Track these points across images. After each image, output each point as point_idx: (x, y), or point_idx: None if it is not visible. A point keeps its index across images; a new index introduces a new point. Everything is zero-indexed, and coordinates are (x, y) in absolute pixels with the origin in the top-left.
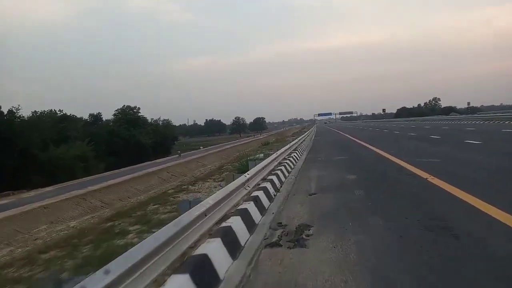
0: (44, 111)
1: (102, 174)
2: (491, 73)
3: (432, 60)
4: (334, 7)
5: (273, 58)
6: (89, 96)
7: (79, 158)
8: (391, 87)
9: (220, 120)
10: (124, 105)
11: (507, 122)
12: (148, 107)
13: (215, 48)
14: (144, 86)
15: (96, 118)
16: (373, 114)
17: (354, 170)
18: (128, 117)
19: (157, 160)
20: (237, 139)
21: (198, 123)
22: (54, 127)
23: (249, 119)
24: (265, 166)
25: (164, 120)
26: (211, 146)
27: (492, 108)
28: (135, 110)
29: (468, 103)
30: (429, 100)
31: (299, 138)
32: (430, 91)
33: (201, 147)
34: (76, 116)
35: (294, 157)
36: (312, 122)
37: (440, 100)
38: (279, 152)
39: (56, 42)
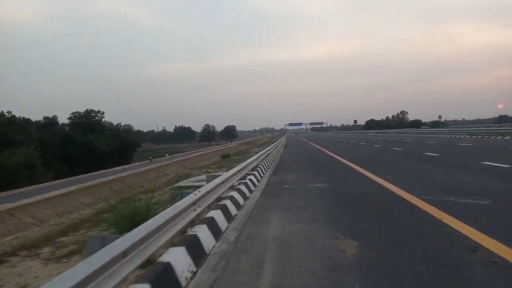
0: None
1: (48, 183)
2: (455, 88)
3: (398, 74)
4: (307, 19)
5: (246, 67)
6: (51, 100)
7: (24, 166)
8: (359, 100)
9: (190, 127)
10: (88, 109)
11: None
12: (116, 113)
13: (187, 54)
14: (111, 91)
15: (51, 121)
16: (342, 125)
17: (352, 221)
18: (85, 121)
19: (114, 169)
20: (206, 147)
21: (168, 130)
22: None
23: (220, 127)
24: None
25: (126, 125)
26: (178, 154)
27: (455, 122)
28: (99, 115)
29: (440, 116)
30: (397, 113)
31: (265, 150)
32: (397, 104)
33: (166, 155)
34: (28, 119)
35: (250, 181)
36: (283, 131)
37: (407, 114)
38: (230, 173)
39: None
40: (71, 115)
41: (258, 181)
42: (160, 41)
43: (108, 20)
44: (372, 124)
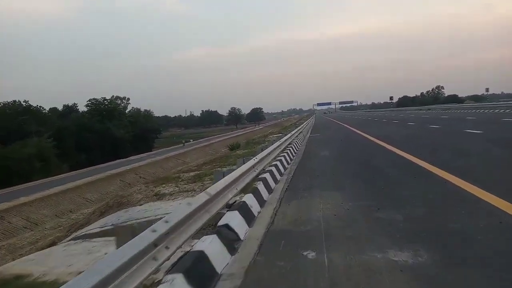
0: (7, 102)
1: (60, 175)
2: (492, 60)
3: (431, 48)
4: None
5: (272, 48)
6: (81, 89)
7: (37, 157)
8: (390, 76)
9: (216, 111)
10: (113, 96)
11: None
12: (143, 99)
13: (213, 38)
14: (139, 78)
15: (71, 109)
16: (373, 103)
17: None
18: (102, 107)
19: (133, 157)
20: (232, 131)
21: (195, 115)
22: (14, 120)
23: (247, 110)
24: None
25: (146, 111)
26: (203, 139)
27: (494, 96)
28: (124, 101)
29: (487, 89)
30: (432, 89)
31: (285, 138)
32: (429, 79)
33: (190, 140)
34: (43, 108)
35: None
36: (311, 112)
37: (443, 89)
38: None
39: (51, 36)
40: (88, 102)
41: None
42: (186, 26)
43: (133, 9)
44: (405, 101)
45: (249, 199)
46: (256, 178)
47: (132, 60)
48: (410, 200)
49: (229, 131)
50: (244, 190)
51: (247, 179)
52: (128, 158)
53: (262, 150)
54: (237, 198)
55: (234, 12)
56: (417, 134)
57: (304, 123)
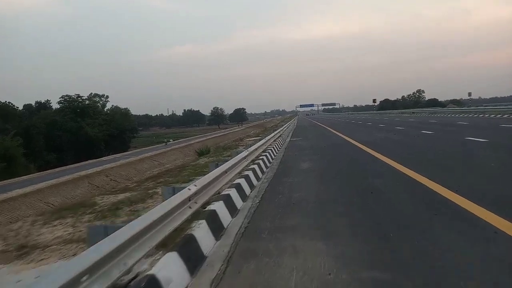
0: None
1: (23, 177)
2: (470, 66)
3: (411, 52)
4: None
5: (256, 48)
6: (59, 86)
7: (0, 157)
8: (372, 79)
9: (199, 110)
10: (92, 93)
11: None
12: (124, 98)
13: (197, 36)
14: (121, 76)
15: (43, 106)
16: (355, 106)
17: None
18: (75, 105)
19: (105, 158)
20: (214, 131)
21: (178, 114)
22: None
23: (230, 110)
24: None
25: (123, 109)
26: (184, 139)
27: (472, 101)
28: (103, 99)
29: (469, 94)
30: (413, 92)
31: (260, 143)
32: (411, 83)
33: (171, 140)
34: (12, 104)
35: None
36: (294, 113)
37: (424, 92)
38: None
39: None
40: (61, 98)
41: None
42: (170, 23)
43: (116, 4)
44: (387, 105)
45: (164, 268)
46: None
47: (113, 58)
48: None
49: (211, 131)
50: (164, 245)
51: (176, 223)
52: (101, 158)
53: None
54: (145, 266)
55: (218, 10)
56: (414, 143)
57: (285, 125)
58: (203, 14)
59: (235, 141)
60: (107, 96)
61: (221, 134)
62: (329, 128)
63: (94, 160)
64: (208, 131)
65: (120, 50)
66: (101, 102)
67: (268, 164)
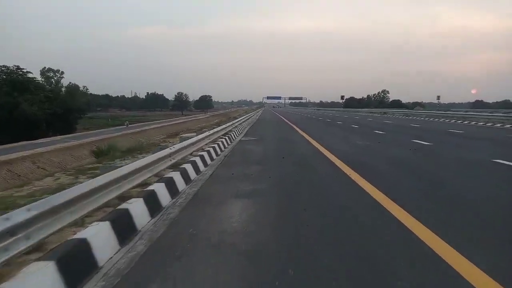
0: None
1: None
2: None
3: (378, 53)
4: None
5: (226, 35)
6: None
7: None
8: (338, 77)
9: (163, 94)
10: (45, 67)
11: None
12: (85, 75)
13: (167, 20)
14: (82, 52)
15: None
16: (321, 101)
17: None
18: (14, 77)
19: (41, 140)
20: (175, 117)
21: (141, 97)
22: None
23: (196, 97)
24: None
25: (71, 84)
26: (141, 123)
27: (431, 105)
28: (57, 74)
29: (438, 97)
30: (378, 92)
31: (192, 141)
32: (374, 84)
33: (126, 123)
34: None
35: None
36: (261, 105)
37: (388, 93)
38: None
39: None
40: None
41: None
42: (140, 2)
43: None
44: (352, 102)
45: None
46: None
47: (73, 32)
48: None
49: (174, 116)
50: None
51: None
52: (36, 140)
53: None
54: None
55: None
56: (416, 163)
57: (246, 116)
58: None
59: (169, 136)
60: (62, 72)
61: (180, 121)
62: (294, 127)
63: (27, 142)
64: (170, 116)
65: (83, 25)
66: (55, 78)
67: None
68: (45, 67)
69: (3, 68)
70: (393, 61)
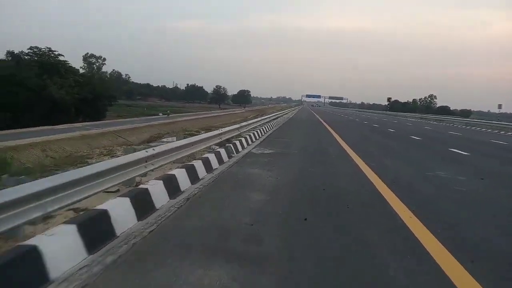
0: None
1: None
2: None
3: (427, 56)
4: None
5: (268, 31)
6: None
7: None
8: (382, 78)
9: (202, 87)
10: (88, 53)
11: None
12: (127, 64)
13: (209, 13)
14: (127, 41)
15: (16, 57)
16: (362, 103)
17: None
18: (44, 59)
19: (61, 126)
20: (211, 110)
21: (181, 88)
22: None
23: (235, 91)
24: None
25: (114, 71)
26: (174, 114)
27: (480, 114)
28: (100, 61)
29: (500, 106)
30: (425, 97)
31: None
32: (422, 87)
33: (160, 114)
34: None
35: None
36: (299, 102)
37: (436, 98)
38: None
39: None
40: (29, 50)
41: None
42: None
43: None
44: (397, 106)
45: None
46: None
47: (118, 21)
48: None
49: (209, 109)
50: None
51: None
52: (57, 126)
53: None
54: None
55: None
56: None
57: (278, 113)
58: None
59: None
60: (104, 59)
61: (211, 115)
62: (332, 132)
63: (46, 127)
64: (206, 109)
65: (127, 15)
66: (97, 64)
67: None
68: (87, 53)
69: (35, 50)
70: (440, 64)
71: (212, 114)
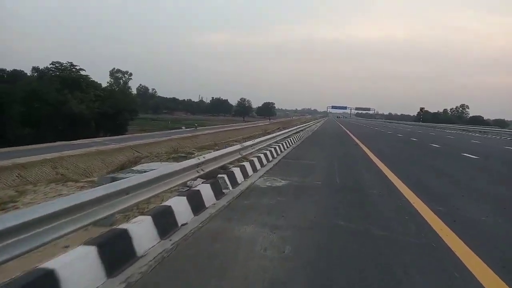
0: None
1: None
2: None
3: (456, 65)
4: None
5: (293, 44)
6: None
7: None
8: (410, 88)
9: (227, 100)
10: (114, 68)
11: None
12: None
13: (234, 26)
14: (154, 56)
15: (41, 73)
16: (390, 114)
17: None
18: (66, 74)
19: (80, 141)
20: (236, 122)
21: (207, 101)
22: None
23: (260, 103)
24: None
25: (141, 86)
26: (199, 128)
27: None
28: (126, 76)
29: None
30: (456, 107)
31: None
32: (452, 97)
33: (182, 127)
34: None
35: None
36: (325, 114)
37: (468, 108)
38: None
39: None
40: (51, 65)
41: None
42: (208, 9)
43: None
44: (426, 116)
45: None
46: None
47: (147, 37)
48: None
49: (233, 122)
50: None
51: None
52: (75, 141)
53: None
54: None
55: (258, 2)
56: None
57: (304, 125)
58: (242, 4)
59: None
60: (131, 74)
61: (237, 127)
62: (364, 149)
63: (63, 143)
64: (230, 122)
65: (152, 30)
66: (123, 79)
67: None
68: (114, 68)
69: (57, 65)
70: (468, 73)
71: (233, 128)
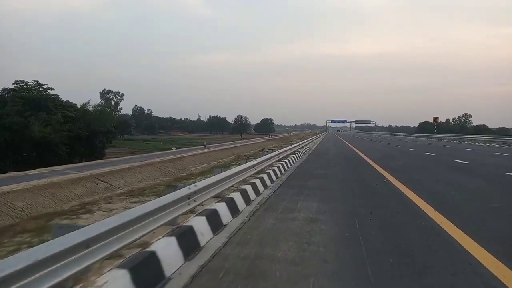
0: None
1: None
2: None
3: (454, 76)
4: (355, 13)
5: (290, 60)
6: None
7: None
8: (409, 101)
9: (225, 117)
10: (105, 89)
11: None
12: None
13: (231, 45)
14: (148, 76)
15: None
16: (390, 126)
17: None
18: (30, 94)
19: (42, 170)
20: (233, 140)
21: (204, 120)
22: None
23: (258, 120)
24: None
25: (136, 106)
26: (188, 148)
27: None
28: (117, 96)
29: None
30: (458, 116)
31: None
32: (453, 107)
33: (173, 148)
34: None
35: None
36: (324, 128)
37: (471, 117)
38: None
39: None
40: (15, 85)
41: None
42: (206, 30)
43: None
44: (428, 127)
45: None
46: None
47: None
48: None
49: (231, 140)
50: None
51: None
52: (27, 172)
53: None
54: None
55: (254, 21)
56: None
57: (301, 143)
58: (238, 24)
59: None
60: (122, 94)
61: (230, 146)
62: (396, 184)
63: (14, 174)
64: (228, 140)
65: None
66: (114, 100)
67: None
68: (104, 89)
69: (21, 84)
70: (469, 84)
71: (225, 147)
